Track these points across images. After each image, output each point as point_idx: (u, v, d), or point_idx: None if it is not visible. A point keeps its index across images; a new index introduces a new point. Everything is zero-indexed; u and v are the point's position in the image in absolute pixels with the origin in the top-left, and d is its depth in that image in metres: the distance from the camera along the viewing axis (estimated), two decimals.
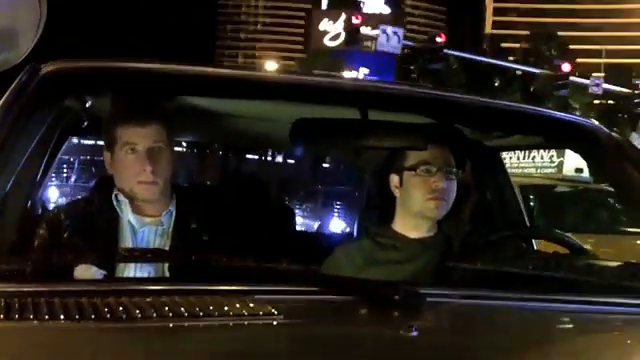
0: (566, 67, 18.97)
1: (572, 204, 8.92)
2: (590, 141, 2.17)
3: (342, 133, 2.13)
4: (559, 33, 44.03)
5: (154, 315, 1.22)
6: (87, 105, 2.23)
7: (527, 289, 1.71)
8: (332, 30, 72.83)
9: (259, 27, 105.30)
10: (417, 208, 2.14)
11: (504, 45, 50.82)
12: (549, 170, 15.03)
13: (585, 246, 2.36)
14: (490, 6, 78.36)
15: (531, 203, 7.94)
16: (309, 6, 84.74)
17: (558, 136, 2.40)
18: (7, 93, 1.77)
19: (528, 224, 3.00)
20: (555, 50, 38.66)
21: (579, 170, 14.18)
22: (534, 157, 15.62)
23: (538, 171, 14.93)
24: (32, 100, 1.74)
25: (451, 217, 2.18)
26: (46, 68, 1.84)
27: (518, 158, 15.04)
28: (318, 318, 1.38)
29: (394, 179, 2.20)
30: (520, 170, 14.32)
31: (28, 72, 1.84)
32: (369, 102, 2.06)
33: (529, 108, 2.31)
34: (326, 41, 66.60)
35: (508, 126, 2.41)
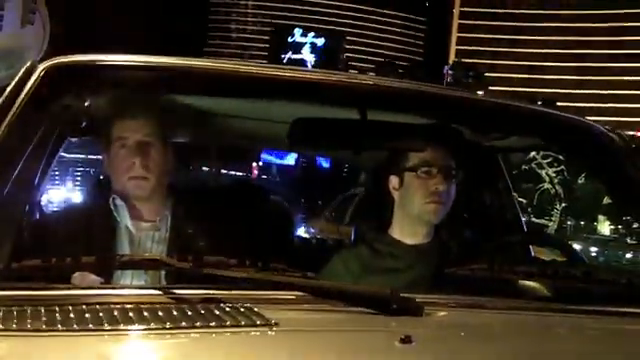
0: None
1: None
2: (593, 144, 2.12)
3: (341, 133, 2.09)
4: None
5: (151, 324, 1.21)
6: (87, 103, 2.17)
7: (527, 296, 1.70)
8: None
9: (248, 35, 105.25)
10: (415, 211, 2.13)
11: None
12: None
13: None
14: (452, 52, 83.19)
15: None
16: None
17: (561, 138, 2.32)
18: (6, 92, 1.74)
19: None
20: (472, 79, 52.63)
21: None
22: None
23: None
24: (30, 98, 1.70)
25: (448, 222, 2.16)
26: (44, 64, 1.79)
27: None
28: (313, 327, 1.36)
29: (393, 180, 2.18)
30: None
31: (26, 70, 1.79)
32: (369, 101, 2.01)
33: (533, 108, 2.24)
34: None
35: (509, 126, 2.35)
